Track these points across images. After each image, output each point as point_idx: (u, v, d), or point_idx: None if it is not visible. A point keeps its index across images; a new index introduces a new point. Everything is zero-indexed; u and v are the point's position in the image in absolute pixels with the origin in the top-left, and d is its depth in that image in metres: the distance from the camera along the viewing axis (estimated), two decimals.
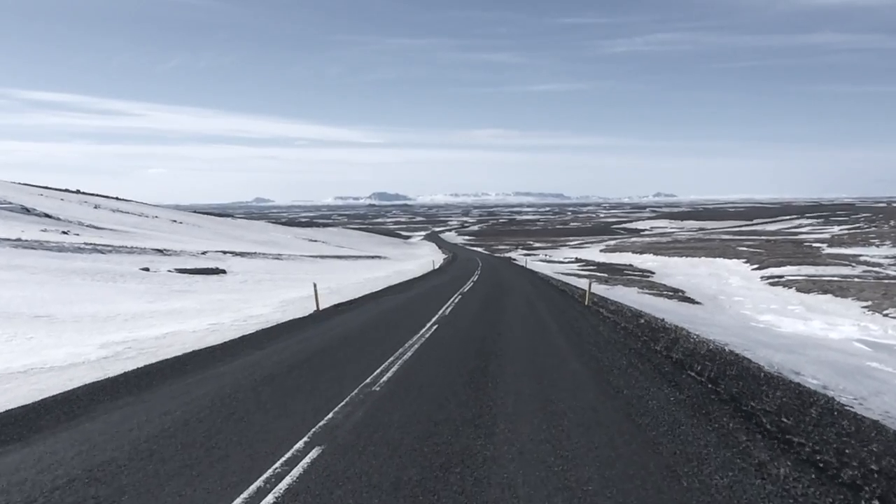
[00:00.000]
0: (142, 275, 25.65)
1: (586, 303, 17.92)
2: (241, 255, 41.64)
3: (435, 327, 11.77)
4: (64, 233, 38.81)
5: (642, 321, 15.37)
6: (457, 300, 17.70)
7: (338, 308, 16.25)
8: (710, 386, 7.02)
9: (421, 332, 11.01)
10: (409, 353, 8.85)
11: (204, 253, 38.44)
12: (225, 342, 10.41)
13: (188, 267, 29.84)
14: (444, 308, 15.45)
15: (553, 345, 9.92)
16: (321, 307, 17.07)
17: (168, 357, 9.03)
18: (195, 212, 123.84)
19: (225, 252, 41.21)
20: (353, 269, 45.93)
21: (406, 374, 7.45)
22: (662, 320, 17.06)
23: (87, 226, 48.14)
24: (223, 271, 31.15)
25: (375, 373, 7.49)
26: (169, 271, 27.78)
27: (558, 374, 7.49)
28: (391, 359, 8.44)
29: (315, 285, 16.94)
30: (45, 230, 38.50)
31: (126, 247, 33.88)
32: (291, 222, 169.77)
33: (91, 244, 32.38)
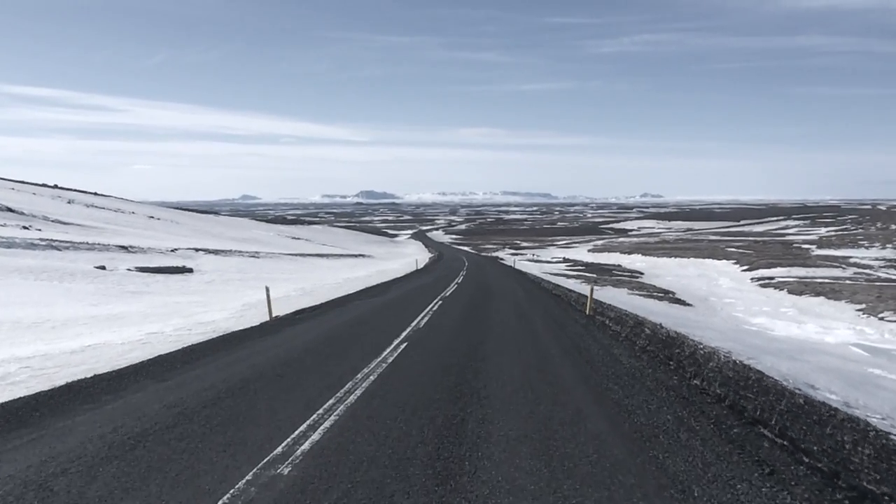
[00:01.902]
0: (95, 273, 23.23)
1: (588, 312, 15.52)
2: (215, 252, 39.11)
3: (403, 347, 9.30)
4: (24, 228, 36.13)
5: (647, 330, 13.30)
6: (436, 307, 15.23)
7: (297, 316, 13.81)
8: (807, 460, 4.61)
9: (383, 356, 8.56)
10: (357, 394, 6.36)
11: (174, 250, 35.88)
12: (131, 365, 8.09)
13: (151, 265, 27.37)
14: (419, 318, 12.98)
15: (558, 381, 7.38)
16: (281, 314, 14.78)
17: (56, 386, 6.78)
18: (179, 208, 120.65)
19: (197, 249, 38.63)
20: (334, 268, 43.62)
21: (341, 436, 5.02)
22: (661, 325, 15.05)
23: (52, 221, 45.28)
24: (190, 270, 28.75)
25: (295, 433, 5.01)
26: (128, 270, 25.35)
27: (575, 444, 4.92)
28: (329, 403, 5.99)
29: (268, 290, 14.46)
30: (3, 225, 35.77)
31: (87, 243, 31.23)
32: (278, 220, 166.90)
33: (47, 240, 29.72)
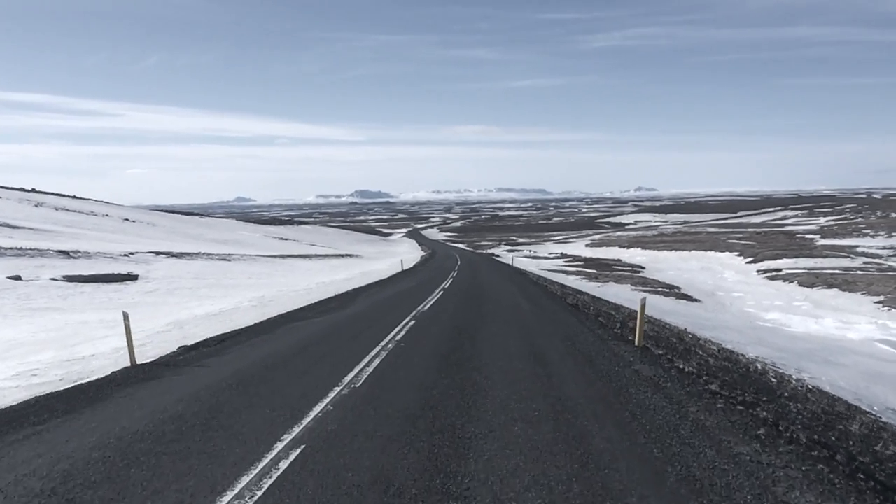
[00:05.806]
0: (3, 285, 19.12)
1: (638, 342, 10.00)
2: (177, 256, 34.94)
3: (289, 465, 4.60)
4: None
5: (739, 369, 9.26)
6: (403, 333, 11.00)
7: (183, 356, 9.29)
8: None
9: (246, 483, 4.14)
10: None
11: (129, 254, 31.61)
12: None
13: (84, 273, 23.22)
14: (366, 360, 8.52)
15: None
16: (189, 342, 10.68)
17: None
18: (172, 212, 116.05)
19: (158, 253, 34.36)
20: (314, 270, 39.60)
21: None
22: (746, 355, 11.14)
23: (0, 224, 41.04)
24: (134, 277, 24.62)
25: None
26: (52, 279, 21.25)
27: None
28: None
29: (126, 317, 9.33)
30: None
31: (18, 248, 26.97)
32: (272, 221, 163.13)
33: None
